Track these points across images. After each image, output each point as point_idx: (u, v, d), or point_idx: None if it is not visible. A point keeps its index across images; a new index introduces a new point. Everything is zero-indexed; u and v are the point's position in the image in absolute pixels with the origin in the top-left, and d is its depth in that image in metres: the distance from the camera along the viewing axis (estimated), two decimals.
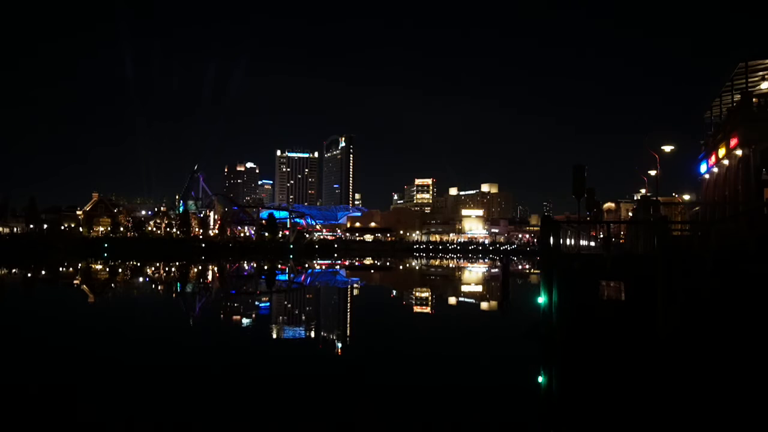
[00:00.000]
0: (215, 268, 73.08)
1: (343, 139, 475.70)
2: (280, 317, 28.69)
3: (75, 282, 50.55)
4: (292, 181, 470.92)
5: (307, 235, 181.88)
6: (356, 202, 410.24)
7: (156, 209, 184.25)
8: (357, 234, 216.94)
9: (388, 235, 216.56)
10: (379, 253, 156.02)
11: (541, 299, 19.20)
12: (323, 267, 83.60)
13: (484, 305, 35.12)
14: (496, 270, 74.31)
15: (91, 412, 11.85)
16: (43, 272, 61.31)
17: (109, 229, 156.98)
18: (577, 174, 25.03)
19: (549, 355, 18.06)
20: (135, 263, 79.44)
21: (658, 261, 16.91)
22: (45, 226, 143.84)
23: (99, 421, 11.37)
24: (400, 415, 12.06)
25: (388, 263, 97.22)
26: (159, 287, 45.85)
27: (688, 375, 15.43)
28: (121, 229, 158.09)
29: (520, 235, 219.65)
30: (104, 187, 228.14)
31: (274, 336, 22.44)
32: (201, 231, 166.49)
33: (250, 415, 11.85)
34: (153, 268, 69.56)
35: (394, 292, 44.84)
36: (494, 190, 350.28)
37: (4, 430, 10.67)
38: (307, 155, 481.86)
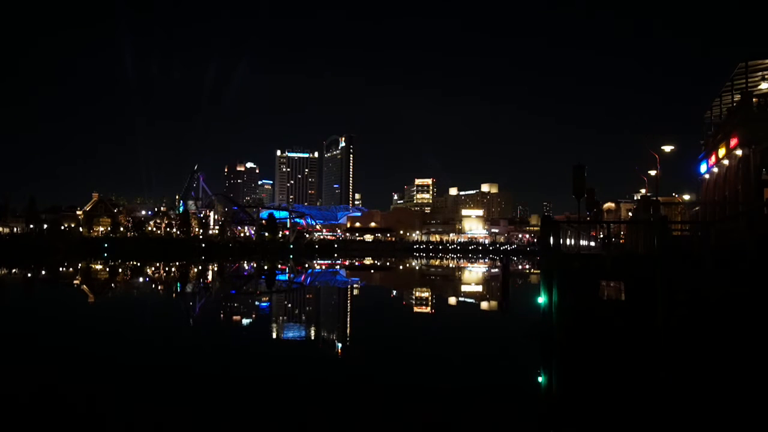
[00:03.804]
0: (215, 268, 73.07)
1: (343, 139, 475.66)
2: (280, 317, 28.69)
3: (75, 282, 50.55)
4: (292, 181, 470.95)
5: (307, 235, 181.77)
6: (356, 202, 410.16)
7: (156, 209, 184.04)
8: (357, 234, 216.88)
9: (388, 235, 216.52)
10: (379, 253, 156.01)
11: (541, 299, 19.21)
12: (323, 267, 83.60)
13: (484, 305, 35.11)
14: (496, 270, 74.29)
15: (91, 412, 11.85)
16: (43, 272, 61.30)
17: (109, 229, 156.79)
18: (577, 174, 25.05)
19: (549, 355, 18.06)
20: (135, 263, 79.42)
21: (658, 261, 16.91)
22: (45, 226, 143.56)
23: (99, 420, 11.38)
24: (401, 414, 12.06)
25: (388, 263, 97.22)
26: (159, 287, 45.84)
27: (688, 375, 15.43)
28: (121, 229, 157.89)
29: (520, 235, 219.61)
30: (104, 187, 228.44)
31: (274, 336, 22.45)
32: (201, 231, 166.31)
33: (250, 415, 11.85)
34: (153, 268, 69.55)
35: (394, 292, 44.82)
36: (494, 190, 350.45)
37: (4, 429, 10.68)
38: (307, 155, 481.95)
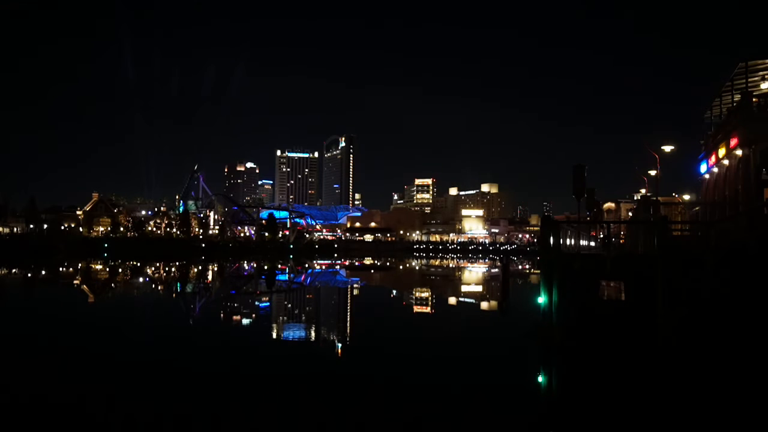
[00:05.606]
0: (215, 268, 73.07)
1: (343, 139, 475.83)
2: (280, 317, 28.69)
3: (75, 282, 50.55)
4: (292, 181, 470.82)
5: (307, 235, 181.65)
6: (356, 202, 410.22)
7: (156, 209, 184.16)
8: (357, 234, 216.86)
9: (388, 235, 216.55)
10: (379, 253, 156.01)
11: (541, 299, 19.21)
12: (323, 267, 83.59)
13: (484, 305, 35.12)
14: (496, 270, 74.29)
15: (91, 411, 11.86)
16: (43, 272, 61.30)
17: (109, 229, 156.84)
18: (577, 174, 25.00)
19: (549, 355, 18.06)
20: (135, 263, 79.41)
21: (658, 261, 16.92)
22: (45, 226, 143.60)
23: (99, 419, 11.38)
24: (401, 414, 12.05)
25: (388, 263, 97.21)
26: (159, 287, 45.84)
27: (688, 375, 15.43)
28: (121, 229, 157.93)
29: (520, 235, 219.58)
30: (104, 187, 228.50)
31: (274, 336, 22.45)
32: (201, 231, 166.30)
33: (250, 414, 11.85)
34: (153, 268, 69.55)
35: (394, 292, 44.84)
36: (494, 190, 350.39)
37: (5, 428, 10.68)
38: (307, 155, 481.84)
